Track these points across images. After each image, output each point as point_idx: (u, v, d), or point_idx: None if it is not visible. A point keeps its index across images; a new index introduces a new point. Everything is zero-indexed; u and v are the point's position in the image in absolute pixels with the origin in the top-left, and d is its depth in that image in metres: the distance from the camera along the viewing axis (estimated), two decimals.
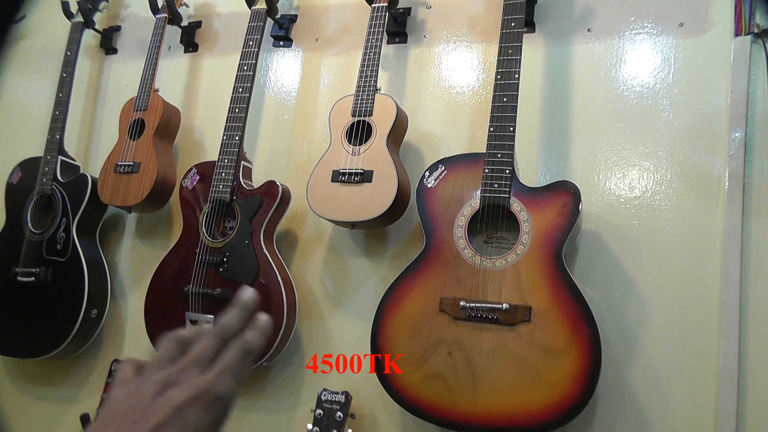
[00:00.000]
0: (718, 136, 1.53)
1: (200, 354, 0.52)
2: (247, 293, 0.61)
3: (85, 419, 1.73)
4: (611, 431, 1.48)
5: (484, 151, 1.50)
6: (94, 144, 2.21)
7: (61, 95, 2.08)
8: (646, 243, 1.53)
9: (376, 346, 1.51)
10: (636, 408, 1.47)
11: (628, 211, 1.57)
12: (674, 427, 1.44)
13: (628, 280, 1.53)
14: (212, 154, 1.81)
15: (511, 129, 1.49)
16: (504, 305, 1.41)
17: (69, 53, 2.12)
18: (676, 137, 1.57)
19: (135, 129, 1.94)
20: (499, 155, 1.49)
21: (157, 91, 1.98)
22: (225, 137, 1.79)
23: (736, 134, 1.50)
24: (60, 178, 1.99)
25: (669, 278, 1.50)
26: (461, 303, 1.44)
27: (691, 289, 1.48)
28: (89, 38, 2.29)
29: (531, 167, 1.66)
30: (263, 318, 0.59)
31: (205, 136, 2.04)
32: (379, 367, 1.49)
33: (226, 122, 1.80)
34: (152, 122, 1.92)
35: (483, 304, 1.43)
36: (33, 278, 1.92)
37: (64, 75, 2.11)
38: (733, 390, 1.40)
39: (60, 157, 2.02)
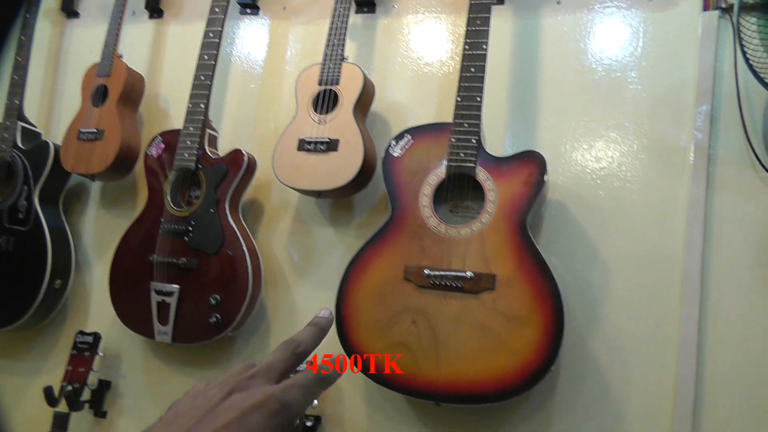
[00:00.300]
0: (685, 109, 1.54)
1: (270, 364, 0.52)
2: (324, 313, 0.60)
3: (48, 392, 1.69)
4: (573, 398, 1.50)
5: (451, 121, 1.49)
6: (56, 110, 2.15)
7: (20, 59, 2.01)
8: (611, 213, 1.54)
9: (340, 314, 1.50)
10: (598, 375, 1.49)
11: (594, 181, 1.57)
12: (635, 394, 1.46)
13: (592, 249, 1.54)
14: (177, 122, 1.77)
15: (478, 99, 1.48)
16: (468, 273, 1.41)
17: (28, 16, 2.04)
18: (644, 109, 1.57)
19: (98, 95, 1.89)
20: (466, 125, 1.48)
21: (120, 57, 1.92)
22: (190, 105, 1.75)
23: (703, 107, 1.51)
24: (20, 145, 1.93)
25: (633, 248, 1.51)
26: (426, 271, 1.43)
27: (654, 259, 1.50)
28: (50, 1, 2.21)
29: (498, 138, 1.65)
30: (324, 313, 0.59)
31: (170, 104, 1.99)
32: (342, 335, 1.48)
33: (192, 90, 1.76)
34: (116, 89, 1.86)
35: (447, 272, 1.42)
36: None
37: (23, 38, 2.02)
38: (693, 357, 1.42)
39: (20, 123, 1.96)
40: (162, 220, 1.71)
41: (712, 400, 1.40)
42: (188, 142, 1.72)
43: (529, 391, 1.36)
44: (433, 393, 1.41)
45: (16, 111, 1.97)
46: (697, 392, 1.41)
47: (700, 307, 1.43)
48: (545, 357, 1.35)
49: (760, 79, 1.33)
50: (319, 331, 0.58)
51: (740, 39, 1.39)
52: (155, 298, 1.68)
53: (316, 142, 1.60)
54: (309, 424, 1.60)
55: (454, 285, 1.42)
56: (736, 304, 1.43)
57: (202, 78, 1.75)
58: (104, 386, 1.86)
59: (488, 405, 1.42)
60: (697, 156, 1.49)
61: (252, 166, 1.72)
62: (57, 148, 1.90)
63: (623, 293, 1.50)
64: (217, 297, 1.63)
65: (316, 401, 1.47)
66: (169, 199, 1.72)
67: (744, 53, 1.37)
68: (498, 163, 1.47)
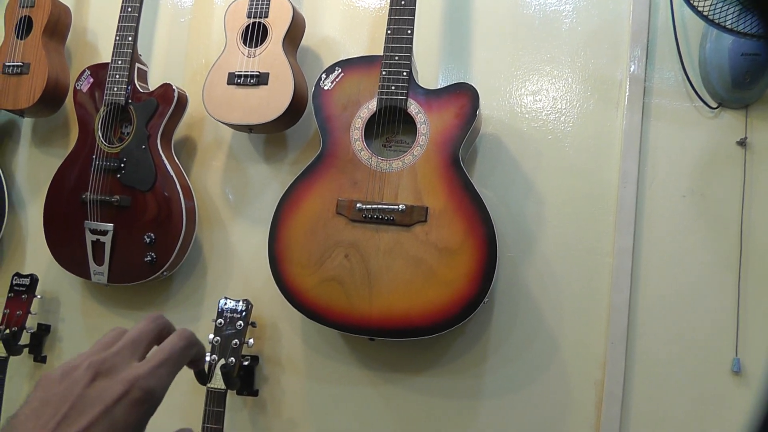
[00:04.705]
0: (621, 42, 1.45)
1: (135, 338, 0.46)
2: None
3: None
4: (508, 330, 1.44)
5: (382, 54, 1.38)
6: None
7: None
8: (546, 145, 1.45)
9: (273, 250, 1.40)
10: (532, 306, 1.43)
11: (528, 114, 1.48)
12: (569, 323, 1.41)
13: (527, 182, 1.45)
14: (107, 58, 1.62)
15: (409, 32, 1.37)
16: (400, 206, 1.32)
17: None
18: (579, 43, 1.48)
19: (22, 27, 1.71)
20: (396, 57, 1.37)
21: None
22: (117, 38, 1.60)
23: (639, 39, 1.42)
24: None
25: (568, 179, 1.44)
26: (357, 205, 1.34)
27: (589, 189, 1.43)
28: None
29: (431, 73, 1.54)
30: None
31: (98, 38, 1.83)
32: (275, 272, 1.39)
33: (119, 22, 1.60)
34: (40, 20, 1.69)
35: (379, 206, 1.33)
36: None
37: None
38: (626, 286, 1.38)
39: None
40: (94, 157, 1.58)
41: (644, 327, 1.37)
42: (117, 76, 1.58)
43: (462, 323, 1.30)
44: (367, 328, 1.34)
45: None
46: (630, 320, 1.37)
47: (634, 236, 1.38)
48: (478, 288, 1.29)
49: (695, 10, 1.23)
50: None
51: None
52: (90, 237, 1.57)
53: (245, 76, 1.47)
54: (246, 363, 1.52)
55: (387, 218, 1.33)
56: (670, 231, 1.38)
57: (129, 10, 1.60)
58: (43, 330, 1.75)
59: (422, 338, 1.35)
60: (633, 87, 1.41)
61: (182, 100, 1.58)
62: None
63: (557, 225, 1.44)
64: (152, 235, 1.52)
65: (251, 340, 1.38)
66: (100, 135, 1.59)
67: None
68: (430, 96, 1.37)
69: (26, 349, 1.69)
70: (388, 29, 1.38)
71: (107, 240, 1.55)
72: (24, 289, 1.64)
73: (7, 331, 1.59)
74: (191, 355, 0.48)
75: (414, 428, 1.46)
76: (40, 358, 1.75)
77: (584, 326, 1.40)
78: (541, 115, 1.47)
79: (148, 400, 0.43)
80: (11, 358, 1.59)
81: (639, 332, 1.36)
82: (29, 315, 1.63)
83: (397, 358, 1.48)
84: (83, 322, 1.75)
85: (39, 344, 1.74)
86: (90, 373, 0.43)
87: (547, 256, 1.43)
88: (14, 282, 1.66)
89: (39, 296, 1.66)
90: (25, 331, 1.62)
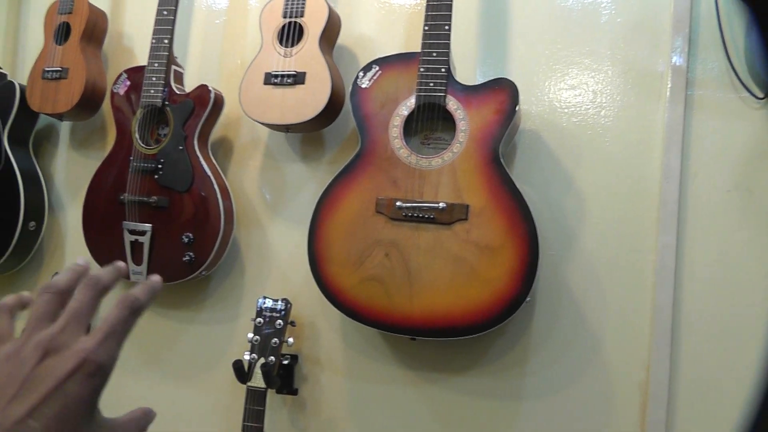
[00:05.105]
0: (662, 33, 1.40)
1: (78, 310, 0.46)
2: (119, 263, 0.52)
3: None
4: (549, 330, 1.41)
5: (419, 50, 1.36)
6: (20, 52, 1.99)
7: None
8: (586, 140, 1.42)
9: (312, 250, 1.39)
10: (574, 306, 1.40)
11: (568, 109, 1.44)
12: (612, 323, 1.38)
13: (567, 178, 1.42)
14: (143, 61, 1.62)
15: (447, 27, 1.35)
16: (440, 204, 1.30)
17: None
18: (619, 34, 1.44)
19: (61, 33, 1.73)
20: (435, 54, 1.35)
21: None
22: (154, 41, 1.60)
23: (681, 29, 1.38)
24: None
25: (609, 175, 1.41)
26: (397, 203, 1.32)
27: (630, 185, 1.39)
28: None
29: (469, 69, 1.52)
30: (155, 278, 0.51)
31: (135, 42, 1.83)
32: (315, 271, 1.38)
33: (155, 25, 1.61)
34: (78, 26, 1.71)
35: (419, 204, 1.31)
36: None
37: None
38: (670, 284, 1.34)
39: None
40: (131, 158, 1.59)
41: (689, 326, 1.33)
42: (153, 79, 1.58)
43: (504, 323, 1.28)
44: (408, 327, 1.32)
45: None
46: (675, 319, 1.33)
47: (677, 233, 1.34)
48: (520, 287, 1.26)
49: None
50: (117, 273, 0.51)
51: None
52: (128, 237, 1.57)
53: (282, 75, 1.46)
54: (286, 362, 1.51)
55: (427, 216, 1.31)
56: (714, 228, 1.33)
57: (165, 13, 1.60)
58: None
59: (463, 338, 1.33)
60: (675, 79, 1.37)
61: (219, 101, 1.58)
62: (23, 89, 1.76)
63: (599, 221, 1.40)
64: (190, 235, 1.52)
65: (291, 339, 1.38)
66: (137, 137, 1.60)
67: None
68: (468, 92, 1.34)
69: None
70: (425, 25, 1.36)
71: (146, 240, 1.56)
72: None
73: None
74: (136, 321, 0.47)
75: (455, 429, 1.44)
76: None
77: (627, 326, 1.36)
78: (581, 110, 1.44)
79: (99, 374, 0.43)
80: None
81: (684, 332, 1.32)
82: None
83: (438, 358, 1.46)
84: None
85: None
86: (38, 353, 0.43)
87: (588, 253, 1.40)
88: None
89: None
90: None
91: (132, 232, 1.58)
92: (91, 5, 1.73)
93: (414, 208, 1.32)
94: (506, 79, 1.33)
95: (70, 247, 1.84)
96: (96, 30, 1.74)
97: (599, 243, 1.39)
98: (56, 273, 1.69)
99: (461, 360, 1.45)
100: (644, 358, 1.34)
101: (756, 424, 0.37)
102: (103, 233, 1.63)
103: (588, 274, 1.40)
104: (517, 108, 1.30)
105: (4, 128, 1.75)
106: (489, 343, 1.43)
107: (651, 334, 1.34)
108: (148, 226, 1.56)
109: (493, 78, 1.35)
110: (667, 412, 1.31)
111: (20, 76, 1.88)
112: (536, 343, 1.42)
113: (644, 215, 1.37)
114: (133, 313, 0.47)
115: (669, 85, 1.37)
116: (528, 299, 1.27)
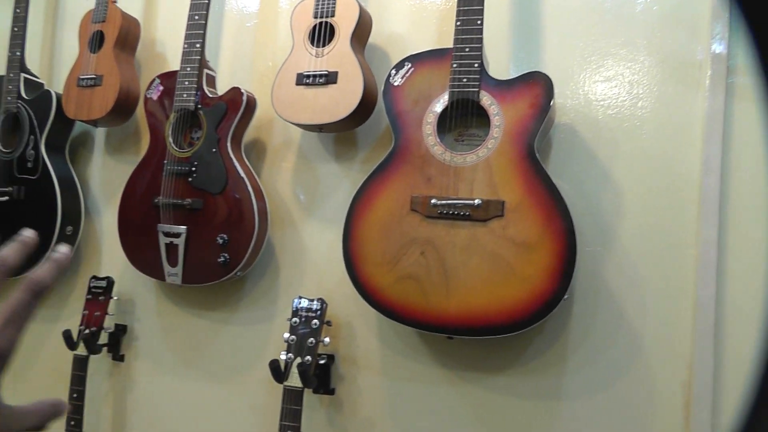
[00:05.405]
0: (700, 19, 1.36)
1: None
2: (27, 232, 0.51)
3: (67, 336, 1.65)
4: (588, 328, 1.38)
5: (452, 46, 1.34)
6: (57, 61, 2.02)
7: (18, 11, 1.88)
8: (623, 133, 1.39)
9: (347, 249, 1.39)
10: (612, 302, 1.36)
11: (604, 101, 1.41)
12: (652, 320, 1.34)
13: (603, 172, 1.39)
14: (175, 66, 1.64)
15: (479, 22, 1.33)
16: (476, 201, 1.28)
17: None
18: (655, 23, 1.40)
19: (95, 42, 1.77)
20: (467, 49, 1.33)
21: (114, 2, 1.78)
22: (186, 45, 1.62)
23: (720, 14, 1.33)
24: (24, 96, 1.83)
25: (647, 168, 1.37)
26: (432, 201, 1.31)
27: (669, 178, 1.35)
28: None
29: (502, 63, 1.49)
30: (62, 249, 0.50)
31: (167, 48, 1.85)
32: (351, 271, 1.37)
33: (186, 30, 1.62)
34: (111, 34, 1.74)
35: (455, 201, 1.30)
36: (7, 197, 1.79)
37: None
38: (712, 280, 1.29)
39: (23, 75, 1.85)
40: (165, 162, 1.61)
41: (733, 324, 1.28)
42: (186, 83, 1.60)
43: (542, 321, 1.25)
44: (444, 326, 1.31)
45: (18, 63, 1.86)
46: (718, 316, 1.28)
47: (719, 227, 1.29)
48: (557, 284, 1.24)
49: None
50: (24, 248, 0.50)
51: None
52: (163, 240, 1.59)
53: (314, 76, 1.46)
54: (322, 362, 1.51)
55: (462, 213, 1.29)
56: (757, 221, 1.28)
57: (196, 18, 1.62)
58: (120, 330, 1.80)
59: (501, 337, 1.30)
60: (715, 67, 1.33)
61: (251, 103, 1.59)
62: (59, 97, 1.80)
63: (637, 216, 1.36)
64: (224, 237, 1.52)
65: (327, 339, 1.37)
66: (171, 140, 1.61)
67: None
68: (502, 87, 1.32)
69: (105, 348, 1.73)
70: (457, 21, 1.34)
71: (180, 242, 1.57)
72: (101, 291, 1.70)
73: (87, 331, 1.65)
74: (38, 304, 0.47)
75: (493, 429, 1.42)
76: (118, 356, 1.79)
77: (668, 323, 1.32)
78: (617, 102, 1.40)
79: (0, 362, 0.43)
80: (91, 356, 1.65)
81: (727, 330, 1.27)
82: (107, 316, 1.68)
83: (475, 357, 1.44)
84: (158, 321, 1.77)
85: (117, 343, 1.79)
86: None
87: (627, 249, 1.36)
88: (92, 284, 1.71)
89: (115, 297, 1.71)
90: (103, 331, 1.67)
91: (167, 234, 1.59)
92: (123, 13, 1.75)
93: (449, 205, 1.30)
94: (540, 72, 1.31)
95: (107, 250, 1.86)
96: (129, 37, 1.76)
97: (638, 238, 1.36)
98: (93, 276, 1.71)
99: (499, 359, 1.42)
100: (687, 356, 1.30)
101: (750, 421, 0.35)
102: (138, 236, 1.65)
103: (627, 270, 1.36)
104: (551, 101, 1.28)
105: (41, 136, 1.78)
106: (527, 341, 1.41)
107: (693, 331, 1.29)
108: (182, 228, 1.57)
109: (527, 71, 1.33)
110: (712, 412, 1.26)
111: (56, 85, 1.92)
112: (575, 341, 1.38)
113: (684, 209, 1.33)
114: (35, 296, 0.47)
115: (709, 74, 1.33)
116: (566, 296, 1.24)
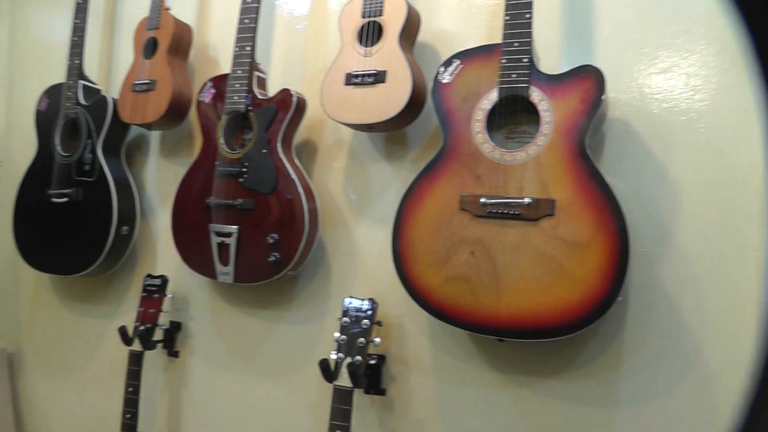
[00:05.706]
0: None
1: None
2: None
3: (123, 331, 1.70)
4: (643, 332, 1.32)
5: (501, 42, 1.32)
6: (114, 68, 2.09)
7: (78, 21, 1.97)
8: (680, 127, 1.33)
9: (397, 249, 1.38)
10: (669, 306, 1.30)
11: (658, 94, 1.36)
12: (711, 325, 1.27)
13: (659, 169, 1.34)
14: (227, 69, 1.66)
15: (528, 16, 1.30)
16: (526, 199, 1.25)
17: None
18: (713, 9, 1.32)
19: (149, 48, 1.82)
20: (516, 44, 1.31)
21: (168, 9, 1.83)
22: (236, 48, 1.64)
23: None
24: (83, 102, 1.90)
25: (705, 164, 1.30)
26: (482, 200, 1.29)
27: (730, 174, 1.28)
28: None
29: (553, 57, 1.46)
30: None
31: (219, 53, 1.89)
32: (400, 271, 1.36)
33: (237, 33, 1.65)
34: (165, 40, 1.79)
35: (504, 200, 1.27)
36: (66, 199, 1.86)
37: (80, 2, 1.98)
38: None
39: (81, 82, 1.92)
40: (217, 163, 1.64)
41: None
42: (237, 85, 1.62)
43: (595, 323, 1.21)
44: (495, 327, 1.28)
45: (77, 70, 1.94)
46: None
47: None
48: (610, 286, 1.20)
49: None
50: None
51: None
52: (215, 239, 1.62)
53: (363, 75, 1.46)
54: (373, 362, 1.51)
55: (512, 212, 1.27)
56: None
57: (247, 21, 1.64)
58: (175, 327, 1.84)
59: (553, 339, 1.27)
60: None
61: (301, 105, 1.60)
62: (115, 102, 1.87)
63: (695, 215, 1.30)
64: (275, 236, 1.54)
65: (378, 339, 1.37)
66: (222, 142, 1.64)
67: None
68: (552, 82, 1.29)
69: (160, 345, 1.78)
70: (506, 15, 1.32)
71: (232, 242, 1.59)
72: (156, 289, 1.75)
73: (142, 327, 1.70)
74: None
75: None
76: (172, 353, 1.84)
77: (729, 328, 1.25)
78: (673, 95, 1.35)
79: None
80: (146, 352, 1.70)
81: None
82: (161, 313, 1.73)
83: (527, 360, 1.41)
84: (211, 319, 1.81)
85: (171, 340, 1.83)
86: None
87: (684, 249, 1.30)
88: (146, 283, 1.76)
89: (170, 295, 1.76)
90: (158, 327, 1.72)
91: (219, 234, 1.61)
92: (176, 20, 1.80)
93: (499, 204, 1.28)
94: (591, 65, 1.27)
95: (161, 250, 1.91)
96: (182, 43, 1.81)
97: (696, 238, 1.29)
98: (148, 275, 1.76)
99: (551, 362, 1.39)
100: (749, 363, 1.23)
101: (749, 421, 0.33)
102: (191, 236, 1.68)
103: (684, 271, 1.30)
104: (603, 96, 1.24)
105: (98, 140, 1.85)
106: (580, 345, 1.36)
107: (756, 337, 1.23)
108: (234, 228, 1.59)
109: (577, 65, 1.29)
110: None
111: (113, 91, 1.98)
112: (630, 346, 1.33)
113: (746, 207, 1.26)
114: None
115: None
116: (619, 299, 1.20)
